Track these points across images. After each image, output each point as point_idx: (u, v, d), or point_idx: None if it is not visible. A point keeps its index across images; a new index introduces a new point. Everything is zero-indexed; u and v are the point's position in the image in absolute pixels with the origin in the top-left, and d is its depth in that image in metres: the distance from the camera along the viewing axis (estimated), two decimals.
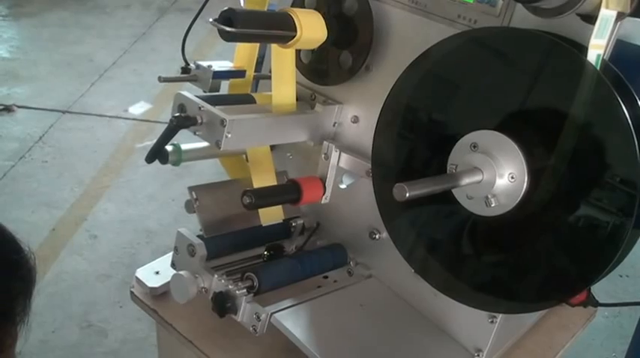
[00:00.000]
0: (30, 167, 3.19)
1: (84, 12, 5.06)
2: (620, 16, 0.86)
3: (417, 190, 0.81)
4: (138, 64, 4.28)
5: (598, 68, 0.83)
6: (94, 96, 3.87)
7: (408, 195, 0.80)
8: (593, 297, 1.15)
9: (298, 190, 1.11)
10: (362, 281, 1.22)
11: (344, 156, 1.15)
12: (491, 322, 1.06)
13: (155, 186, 3.09)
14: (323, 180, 1.15)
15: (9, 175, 3.11)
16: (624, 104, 0.81)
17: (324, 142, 1.15)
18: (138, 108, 3.77)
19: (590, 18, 0.84)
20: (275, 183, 1.19)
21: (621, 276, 2.69)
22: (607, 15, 0.82)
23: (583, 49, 0.84)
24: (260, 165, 1.18)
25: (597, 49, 0.83)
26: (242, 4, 1.20)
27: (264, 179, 1.18)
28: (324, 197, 1.16)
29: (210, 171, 2.62)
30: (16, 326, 0.84)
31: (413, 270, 1.07)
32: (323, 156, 1.15)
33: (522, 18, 0.95)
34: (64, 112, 3.67)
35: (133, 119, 3.67)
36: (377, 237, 1.19)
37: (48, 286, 2.48)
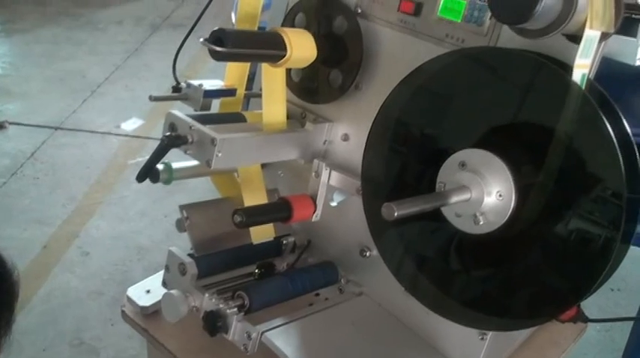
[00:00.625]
0: (22, 184, 3.19)
1: (76, 28, 5.07)
2: (605, 36, 0.87)
3: (405, 209, 0.82)
4: (130, 80, 4.29)
5: (583, 87, 0.84)
6: (87, 113, 3.87)
7: (396, 214, 0.80)
8: (583, 313, 1.16)
9: (289, 208, 1.12)
10: (353, 298, 1.22)
11: (334, 174, 1.16)
12: (482, 339, 1.06)
13: (147, 202, 3.09)
14: (314, 198, 1.16)
15: (0, 192, 3.10)
16: (609, 122, 0.82)
17: (315, 160, 1.16)
18: (130, 124, 3.77)
19: (576, 38, 0.85)
20: (266, 201, 1.20)
21: (612, 290, 2.69)
22: (591, 35, 0.83)
23: (569, 69, 0.85)
24: (251, 183, 1.18)
25: (582, 68, 0.84)
26: (234, 20, 1.21)
27: (255, 197, 1.18)
28: (314, 215, 1.16)
29: (203, 187, 2.60)
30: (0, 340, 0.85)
31: (403, 288, 1.08)
32: (313, 174, 1.16)
33: (509, 37, 0.95)
34: (56, 129, 3.67)
35: (125, 135, 3.68)
36: (367, 254, 1.19)
37: (39, 304, 2.47)
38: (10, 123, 3.68)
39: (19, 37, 4.88)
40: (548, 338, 1.28)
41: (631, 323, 1.86)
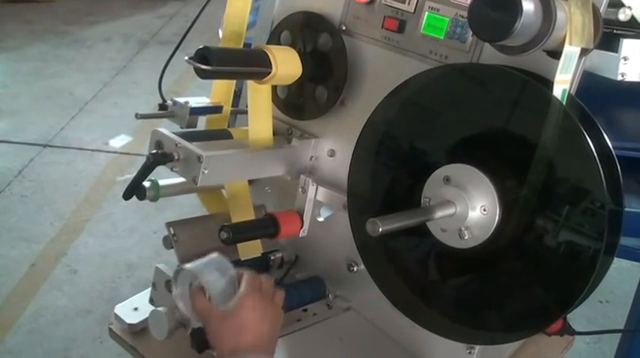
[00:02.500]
0: (9, 201, 3.17)
1: (64, 46, 5.07)
2: (585, 52, 0.89)
3: (389, 225, 0.82)
4: (118, 97, 4.29)
5: (564, 103, 0.85)
6: (75, 130, 3.87)
7: (380, 229, 0.81)
8: (569, 326, 1.16)
9: (276, 224, 1.12)
10: (341, 313, 1.22)
11: (321, 189, 1.17)
12: (469, 353, 1.07)
13: (136, 219, 3.08)
14: (301, 214, 1.16)
15: None
16: (590, 136, 0.84)
17: (301, 176, 1.17)
18: (118, 141, 3.76)
19: (556, 54, 0.86)
20: (253, 217, 1.20)
21: (601, 302, 2.70)
22: (571, 51, 0.85)
23: (550, 84, 0.86)
24: (238, 199, 1.19)
25: (563, 83, 0.85)
26: (221, 36, 1.22)
27: (242, 213, 1.18)
28: (302, 230, 1.17)
29: (192, 203, 2.60)
30: None
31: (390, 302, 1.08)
32: (300, 189, 1.17)
33: (491, 54, 0.97)
34: (44, 146, 3.66)
35: (114, 152, 3.67)
36: (355, 269, 1.19)
37: (27, 322, 2.45)
38: None
39: (6, 55, 4.87)
40: (536, 352, 1.28)
41: (619, 334, 1.86)
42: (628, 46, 1.18)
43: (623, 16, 1.14)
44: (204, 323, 0.94)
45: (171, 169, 1.06)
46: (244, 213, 1.19)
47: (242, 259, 1.19)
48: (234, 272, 0.96)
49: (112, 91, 4.39)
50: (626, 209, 0.94)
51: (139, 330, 1.23)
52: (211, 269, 0.94)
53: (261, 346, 0.91)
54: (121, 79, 4.58)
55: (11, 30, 5.28)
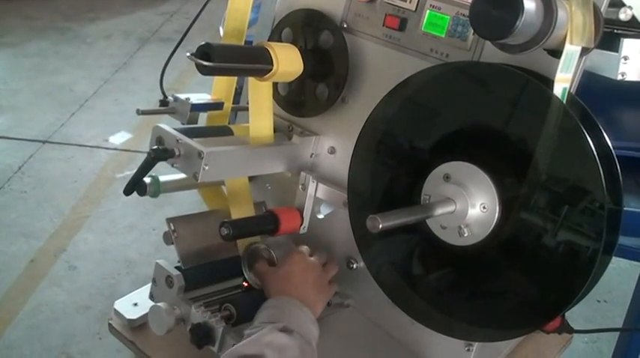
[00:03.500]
0: (9, 197, 3.17)
1: (64, 42, 5.07)
2: (585, 51, 0.89)
3: (390, 221, 0.83)
4: (118, 94, 4.29)
5: (564, 101, 0.86)
6: (75, 126, 3.87)
7: (381, 226, 0.81)
8: (568, 324, 1.17)
9: (276, 221, 1.13)
10: (340, 310, 1.22)
11: (321, 186, 1.17)
12: (468, 350, 1.07)
13: (136, 215, 3.08)
14: (301, 211, 1.17)
15: None
16: (590, 135, 0.84)
17: (302, 173, 1.17)
18: (118, 138, 3.76)
19: (557, 52, 0.87)
20: (253, 214, 1.20)
21: (599, 301, 2.70)
22: (572, 50, 0.85)
23: (550, 83, 0.86)
24: (238, 196, 1.19)
25: (563, 82, 0.86)
26: (222, 34, 1.22)
27: (242, 210, 1.19)
28: (302, 227, 1.17)
29: (191, 199, 2.60)
30: None
31: (389, 299, 1.09)
32: (300, 186, 1.17)
33: (492, 52, 0.97)
34: (44, 142, 3.66)
35: (114, 149, 3.67)
36: (354, 266, 1.20)
37: (26, 318, 2.45)
38: None
39: (7, 51, 4.87)
40: (534, 350, 1.29)
41: (617, 334, 1.87)
42: (628, 45, 1.19)
43: (623, 15, 1.15)
44: (261, 279, 1.12)
45: (172, 165, 1.06)
46: (244, 210, 1.19)
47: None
48: (292, 246, 1.16)
49: (112, 88, 4.38)
50: (625, 208, 0.95)
51: (139, 326, 1.23)
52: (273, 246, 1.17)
53: (303, 294, 1.06)
54: (121, 76, 4.58)
55: (11, 26, 5.27)
